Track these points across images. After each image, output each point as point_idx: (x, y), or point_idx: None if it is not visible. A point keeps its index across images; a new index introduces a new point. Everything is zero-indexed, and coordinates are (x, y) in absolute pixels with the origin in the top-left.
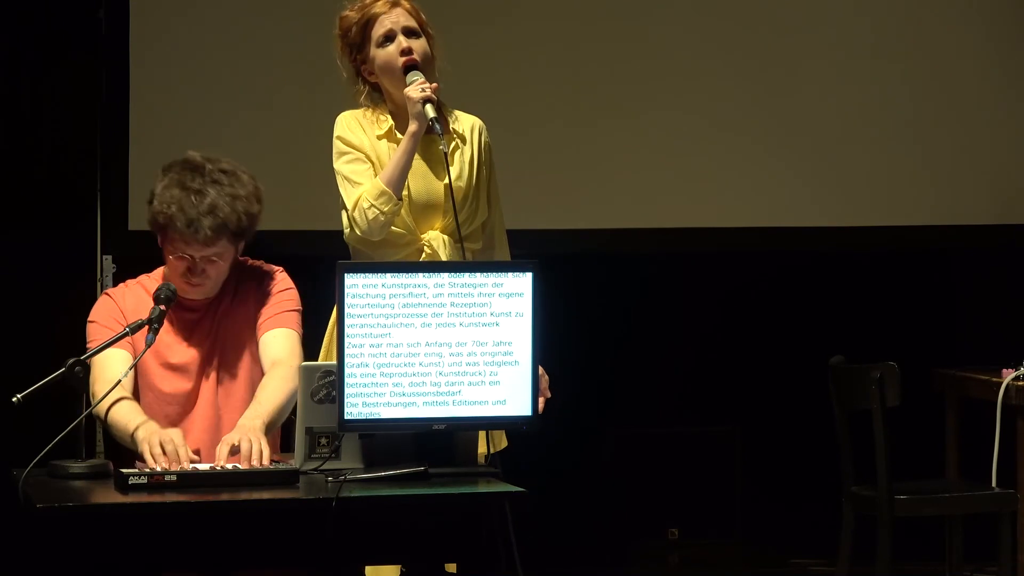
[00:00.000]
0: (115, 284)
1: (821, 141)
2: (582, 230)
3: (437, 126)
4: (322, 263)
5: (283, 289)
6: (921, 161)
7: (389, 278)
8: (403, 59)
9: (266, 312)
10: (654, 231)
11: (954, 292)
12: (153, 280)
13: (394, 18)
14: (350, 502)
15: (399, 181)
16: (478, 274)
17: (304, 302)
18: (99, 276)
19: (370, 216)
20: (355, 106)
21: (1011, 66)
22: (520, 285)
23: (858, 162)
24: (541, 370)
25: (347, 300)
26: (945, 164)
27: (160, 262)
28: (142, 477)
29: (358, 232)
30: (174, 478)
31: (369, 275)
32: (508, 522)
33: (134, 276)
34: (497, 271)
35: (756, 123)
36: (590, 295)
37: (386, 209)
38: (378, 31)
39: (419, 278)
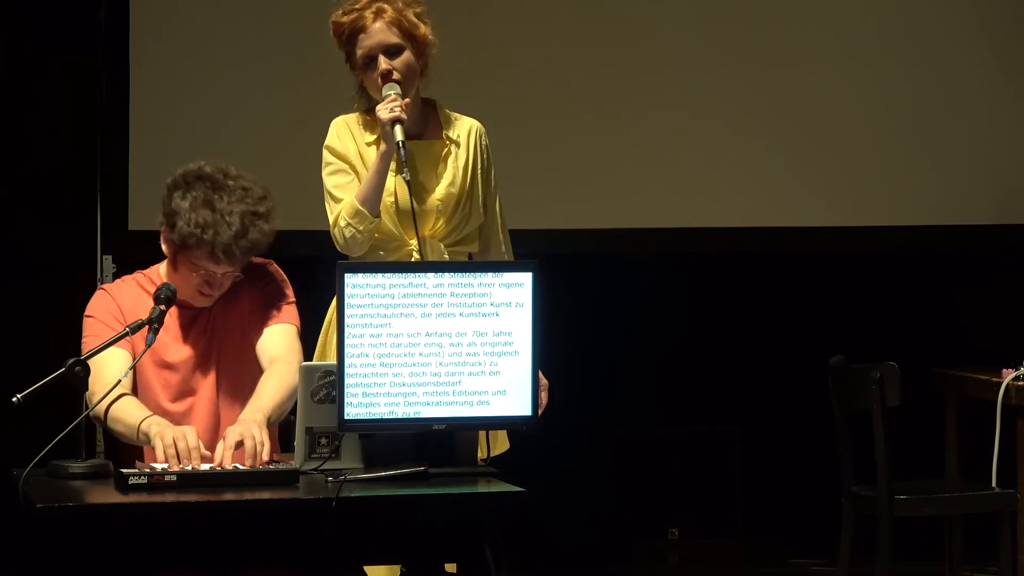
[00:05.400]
0: (131, 275)
1: (821, 141)
2: (582, 230)
3: (402, 151)
4: (322, 263)
5: (277, 282)
6: (921, 161)
7: (389, 276)
8: (382, 82)
9: (262, 307)
10: (654, 231)
11: (954, 292)
12: (149, 278)
13: (375, 37)
14: (350, 502)
15: (373, 199)
16: (478, 274)
17: (303, 302)
18: (99, 276)
19: (347, 234)
20: (351, 108)
21: (1011, 66)
22: (520, 283)
23: (858, 162)
24: (540, 375)
25: (347, 291)
26: (945, 164)
27: (158, 259)
28: (142, 477)
29: (338, 248)
30: (174, 478)
31: (369, 275)
32: (498, 521)
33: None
34: (497, 271)
35: (756, 123)
36: (590, 295)
37: (361, 228)
38: (359, 54)
39: (419, 275)
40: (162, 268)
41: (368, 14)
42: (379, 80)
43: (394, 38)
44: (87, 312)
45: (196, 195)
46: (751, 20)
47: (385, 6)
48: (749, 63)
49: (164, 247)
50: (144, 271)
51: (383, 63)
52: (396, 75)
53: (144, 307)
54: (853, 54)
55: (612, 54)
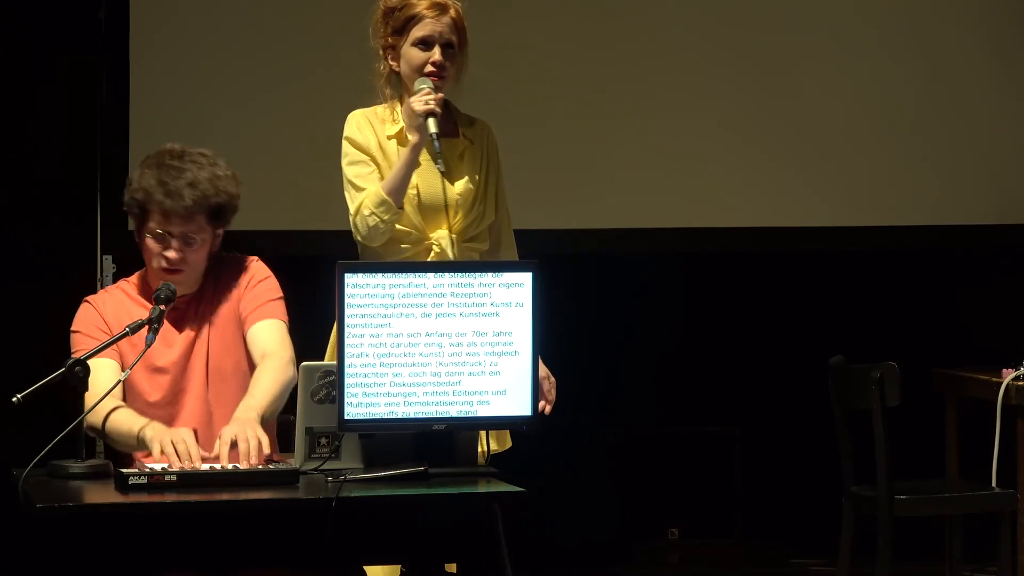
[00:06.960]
0: (115, 283)
1: (821, 141)
2: (582, 230)
3: (436, 143)
4: (323, 263)
5: (262, 278)
6: (921, 161)
7: (389, 276)
8: (430, 69)
9: (249, 304)
10: (654, 231)
11: (954, 292)
12: (131, 284)
13: (439, 27)
14: (350, 502)
15: (400, 190)
16: (478, 274)
17: (304, 302)
18: (99, 276)
19: (370, 223)
20: (361, 104)
21: (1011, 66)
22: (520, 283)
23: (858, 162)
24: (547, 371)
25: (347, 291)
26: (945, 164)
27: (140, 265)
28: (142, 477)
29: (358, 237)
30: (174, 478)
31: (369, 275)
32: (499, 522)
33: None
34: (497, 271)
35: (756, 123)
36: (590, 295)
37: (386, 218)
38: (418, 32)
39: (419, 275)
40: (143, 272)
41: (433, 8)
42: (428, 67)
43: (455, 38)
44: (73, 327)
45: (149, 161)
46: (750, 21)
47: (449, 3)
48: (749, 63)
49: (135, 232)
50: (126, 279)
51: (438, 54)
52: (446, 74)
53: (128, 314)
54: (853, 55)
55: (613, 55)
